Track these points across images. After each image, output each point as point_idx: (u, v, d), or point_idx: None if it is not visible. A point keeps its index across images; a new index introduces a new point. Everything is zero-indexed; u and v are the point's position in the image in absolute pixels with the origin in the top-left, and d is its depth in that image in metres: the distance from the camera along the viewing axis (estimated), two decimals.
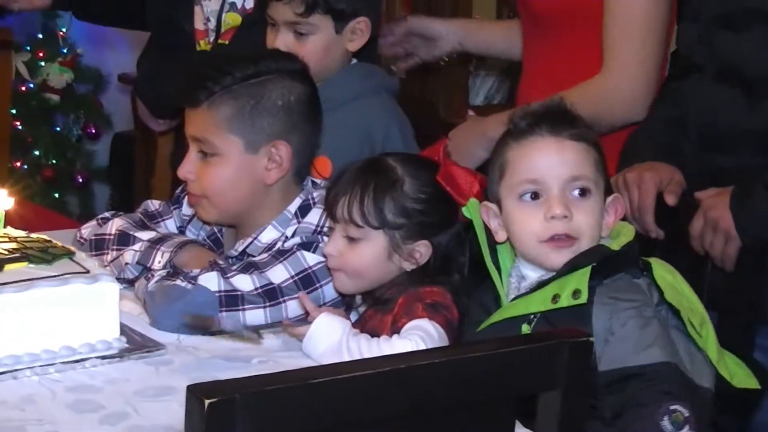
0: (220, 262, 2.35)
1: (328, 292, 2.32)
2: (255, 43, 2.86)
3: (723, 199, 2.35)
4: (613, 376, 1.98)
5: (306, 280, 2.30)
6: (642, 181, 2.45)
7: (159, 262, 2.37)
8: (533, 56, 2.94)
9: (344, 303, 2.34)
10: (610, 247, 2.08)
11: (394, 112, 2.85)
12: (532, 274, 2.13)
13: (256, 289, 2.27)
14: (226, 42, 3.14)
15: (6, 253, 2.16)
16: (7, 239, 2.22)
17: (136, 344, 2.16)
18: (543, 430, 1.62)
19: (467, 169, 2.28)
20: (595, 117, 2.43)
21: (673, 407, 1.93)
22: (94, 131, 5.54)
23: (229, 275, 2.27)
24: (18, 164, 5.23)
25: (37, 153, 5.40)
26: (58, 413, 1.91)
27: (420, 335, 2.09)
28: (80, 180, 5.50)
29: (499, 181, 2.15)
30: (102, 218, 2.58)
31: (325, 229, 2.34)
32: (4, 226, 2.27)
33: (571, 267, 2.06)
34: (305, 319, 2.20)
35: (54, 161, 5.42)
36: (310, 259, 2.31)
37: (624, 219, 2.23)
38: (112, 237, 2.49)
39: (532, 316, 2.07)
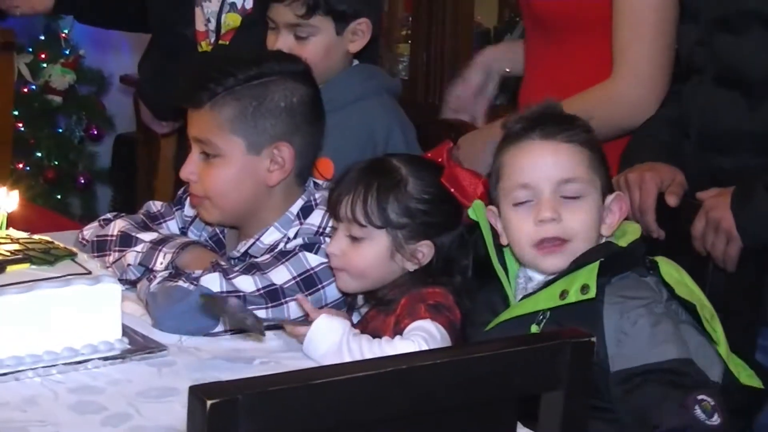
0: (222, 263, 2.35)
1: (330, 292, 2.32)
2: (254, 43, 2.87)
3: (724, 200, 2.35)
4: (629, 375, 1.99)
5: (308, 281, 2.30)
6: (643, 182, 2.45)
7: (161, 264, 2.37)
8: (536, 59, 2.94)
9: (346, 304, 2.34)
10: (617, 244, 2.09)
11: (396, 114, 2.85)
12: (539, 276, 2.14)
13: (258, 290, 2.27)
14: (227, 43, 3.14)
15: (8, 254, 2.16)
16: (9, 241, 2.22)
17: (138, 345, 2.16)
18: (545, 430, 1.62)
19: (472, 171, 2.29)
20: (608, 121, 2.44)
21: (700, 397, 1.95)
22: (96, 133, 5.54)
23: (231, 276, 2.27)
24: (20, 166, 5.23)
25: (39, 154, 5.40)
26: (61, 414, 1.91)
27: (422, 336, 2.09)
28: (82, 181, 5.50)
29: (496, 186, 2.16)
30: (104, 219, 2.58)
31: (328, 230, 2.34)
32: (6, 228, 2.27)
33: (578, 264, 2.07)
34: (307, 320, 2.20)
35: (56, 163, 5.42)
36: (312, 260, 2.31)
37: (626, 219, 2.23)
38: (114, 238, 2.49)
39: (540, 316, 2.07)
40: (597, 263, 2.04)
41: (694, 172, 2.50)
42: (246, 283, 2.27)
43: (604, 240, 2.13)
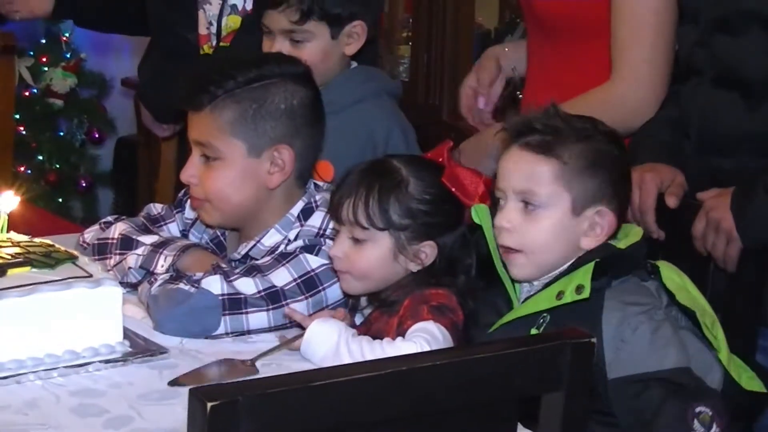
0: (223, 265, 2.35)
1: (331, 294, 2.32)
2: (255, 44, 2.86)
3: (724, 200, 2.35)
4: (628, 382, 1.99)
5: (309, 283, 2.30)
6: (643, 182, 2.45)
7: (162, 266, 2.37)
8: (538, 61, 2.93)
9: (348, 305, 2.34)
10: (616, 246, 2.09)
11: (396, 116, 2.85)
12: (539, 281, 2.14)
13: (259, 292, 2.27)
14: (227, 45, 3.14)
15: (9, 257, 2.16)
16: (10, 244, 2.22)
17: (139, 348, 2.16)
18: (546, 431, 1.62)
19: (472, 170, 2.29)
20: (608, 122, 2.43)
21: (698, 409, 1.96)
22: (97, 136, 5.54)
23: (231, 278, 2.27)
24: (22, 169, 5.24)
25: (40, 158, 5.40)
26: (62, 417, 1.91)
27: (425, 338, 2.09)
28: (84, 185, 5.51)
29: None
30: (105, 222, 2.58)
31: (328, 231, 2.34)
32: (7, 231, 2.28)
33: (576, 265, 2.07)
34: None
35: (58, 166, 5.43)
36: (313, 261, 2.31)
37: (626, 220, 2.23)
38: (114, 241, 2.49)
39: (540, 320, 2.08)
40: (592, 264, 2.05)
41: (695, 173, 2.50)
42: (247, 285, 2.27)
43: (568, 256, 2.12)
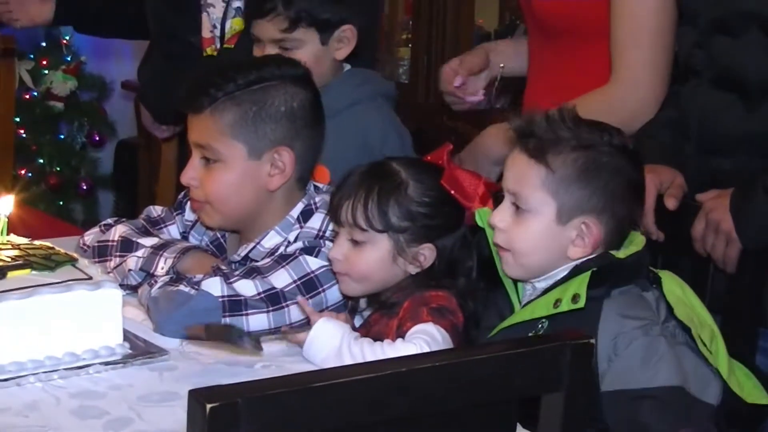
0: (223, 267, 2.35)
1: (331, 296, 2.32)
2: None
3: (724, 201, 2.35)
4: (618, 397, 1.99)
5: (308, 285, 2.30)
6: None
7: (162, 268, 2.37)
8: (539, 62, 2.94)
9: (348, 307, 2.34)
10: (615, 255, 2.08)
11: (391, 118, 2.85)
12: (540, 283, 2.14)
13: (259, 293, 2.27)
14: (232, 46, 3.14)
15: (9, 260, 2.16)
16: (9, 246, 2.22)
17: (139, 350, 2.16)
18: None
19: (472, 172, 2.30)
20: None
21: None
22: (98, 139, 5.55)
23: (231, 280, 2.28)
24: (22, 172, 5.24)
25: (41, 161, 5.41)
26: (62, 419, 1.91)
27: (424, 339, 2.09)
28: (84, 187, 5.51)
29: None
30: (105, 225, 2.58)
31: (328, 233, 2.35)
32: (7, 234, 2.28)
33: (574, 273, 2.07)
34: (308, 323, 2.20)
35: (58, 169, 5.43)
36: (313, 263, 2.32)
37: (635, 229, 2.22)
38: (115, 243, 2.49)
39: (539, 326, 2.07)
40: (588, 273, 2.04)
41: (694, 174, 2.50)
42: (246, 287, 2.27)
43: (555, 264, 2.11)
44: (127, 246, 2.47)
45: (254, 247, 2.40)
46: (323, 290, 2.31)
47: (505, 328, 2.12)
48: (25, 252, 2.20)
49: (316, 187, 2.48)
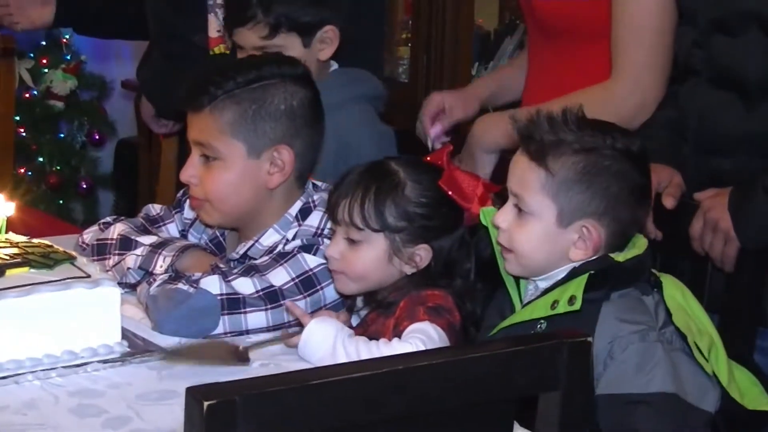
0: (222, 265, 2.35)
1: (329, 294, 2.32)
2: None
3: (722, 200, 2.35)
4: (612, 402, 1.98)
5: (307, 283, 2.30)
6: None
7: (161, 267, 2.37)
8: (538, 62, 2.93)
9: (345, 305, 2.34)
10: (615, 258, 2.08)
11: (369, 121, 2.83)
12: (541, 283, 2.14)
13: (257, 292, 2.27)
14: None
15: (7, 258, 2.16)
16: (8, 244, 2.22)
17: (137, 348, 2.16)
18: (543, 431, 1.62)
19: (470, 173, 2.29)
20: None
21: None
22: (98, 138, 5.56)
23: (230, 278, 2.28)
24: (22, 171, 5.25)
25: (41, 160, 5.41)
26: (61, 418, 1.91)
27: (421, 338, 2.09)
28: (84, 187, 5.52)
29: None
30: (104, 223, 2.59)
31: (326, 231, 2.35)
32: (6, 232, 2.28)
33: (573, 275, 2.07)
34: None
35: (58, 168, 5.44)
36: (311, 261, 2.32)
37: (640, 232, 2.21)
38: (113, 242, 2.49)
39: (538, 326, 2.07)
40: (586, 276, 2.04)
41: (693, 173, 2.50)
42: (245, 285, 2.27)
43: (554, 265, 2.11)
44: (126, 244, 2.47)
45: (253, 245, 2.40)
46: (321, 288, 2.31)
47: (505, 327, 2.12)
48: (23, 250, 2.20)
49: (314, 185, 2.48)
